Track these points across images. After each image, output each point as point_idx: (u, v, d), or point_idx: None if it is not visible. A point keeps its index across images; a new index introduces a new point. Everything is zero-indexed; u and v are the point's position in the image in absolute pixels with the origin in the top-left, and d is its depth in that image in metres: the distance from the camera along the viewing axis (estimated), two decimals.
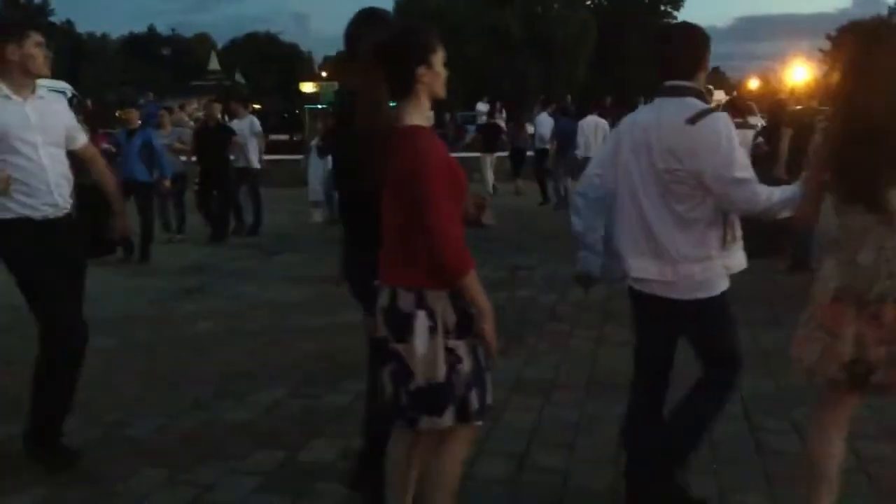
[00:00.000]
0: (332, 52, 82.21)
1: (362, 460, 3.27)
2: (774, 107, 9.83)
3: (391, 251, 2.58)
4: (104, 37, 70.19)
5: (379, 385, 2.66)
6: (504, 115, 22.73)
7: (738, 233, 3.04)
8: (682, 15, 52.65)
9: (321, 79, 57.03)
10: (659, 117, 2.99)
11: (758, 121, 13.66)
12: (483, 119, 19.46)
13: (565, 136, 13.48)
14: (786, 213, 2.92)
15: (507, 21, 42.44)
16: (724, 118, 2.92)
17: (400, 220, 2.52)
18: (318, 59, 79.14)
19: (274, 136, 23.00)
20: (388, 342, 2.54)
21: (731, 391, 3.13)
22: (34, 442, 3.68)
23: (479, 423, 2.62)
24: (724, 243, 2.97)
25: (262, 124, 11.97)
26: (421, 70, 2.50)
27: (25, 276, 3.57)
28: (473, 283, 2.47)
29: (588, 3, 50.34)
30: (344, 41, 3.05)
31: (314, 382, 4.86)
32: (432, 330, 2.46)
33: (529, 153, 16.25)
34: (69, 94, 11.63)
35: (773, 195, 2.87)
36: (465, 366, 2.52)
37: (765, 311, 6.27)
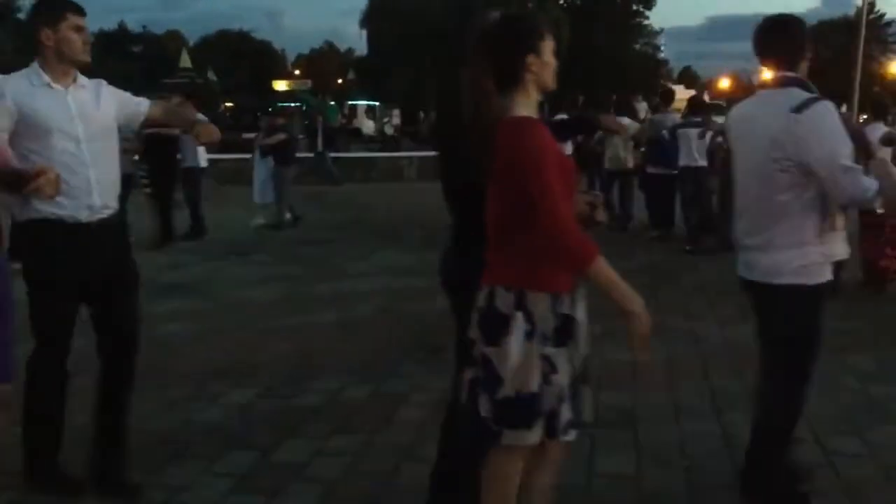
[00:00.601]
0: (306, 50, 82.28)
1: (441, 480, 2.98)
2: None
3: (493, 248, 2.41)
4: None
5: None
6: None
7: (840, 223, 3.04)
8: (654, 14, 53.12)
9: (294, 77, 56.84)
10: (764, 108, 3.03)
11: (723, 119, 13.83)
12: None
13: None
14: (876, 204, 2.96)
15: None
16: (829, 107, 2.92)
17: (504, 215, 2.37)
18: (291, 56, 78.97)
19: (247, 135, 22.78)
20: (477, 345, 2.38)
21: (804, 375, 3.11)
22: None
23: (571, 437, 2.43)
24: (823, 232, 2.98)
25: (235, 122, 11.68)
26: (530, 59, 2.37)
27: (34, 276, 3.29)
28: (605, 272, 2.23)
29: (561, 1, 50.45)
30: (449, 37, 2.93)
31: (287, 383, 4.84)
32: (529, 335, 2.30)
33: None
34: None
35: (872, 185, 2.88)
36: (561, 377, 2.35)
37: (734, 305, 6.31)
